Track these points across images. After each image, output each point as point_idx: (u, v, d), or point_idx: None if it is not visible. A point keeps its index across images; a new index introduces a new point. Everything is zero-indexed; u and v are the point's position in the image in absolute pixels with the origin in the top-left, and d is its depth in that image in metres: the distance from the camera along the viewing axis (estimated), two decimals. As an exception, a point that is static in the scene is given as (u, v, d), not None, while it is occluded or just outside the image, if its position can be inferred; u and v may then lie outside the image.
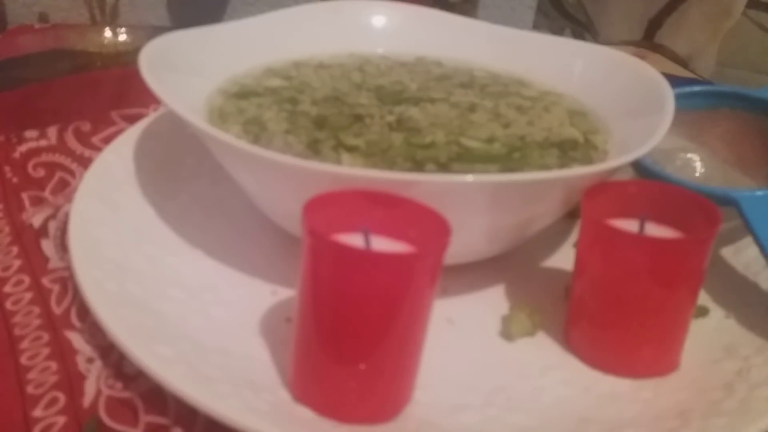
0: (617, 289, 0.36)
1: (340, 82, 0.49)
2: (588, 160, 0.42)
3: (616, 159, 0.39)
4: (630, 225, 0.36)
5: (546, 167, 0.41)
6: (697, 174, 0.49)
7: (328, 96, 0.47)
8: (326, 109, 0.45)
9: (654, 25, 0.87)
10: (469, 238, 0.38)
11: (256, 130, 0.42)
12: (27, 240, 0.44)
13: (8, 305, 0.40)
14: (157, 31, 0.46)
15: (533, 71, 0.51)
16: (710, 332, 0.39)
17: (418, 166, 0.40)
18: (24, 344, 0.37)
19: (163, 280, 0.40)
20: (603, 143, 0.44)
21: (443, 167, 0.40)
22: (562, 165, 0.42)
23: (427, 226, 0.33)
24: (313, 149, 0.41)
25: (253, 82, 0.47)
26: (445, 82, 0.50)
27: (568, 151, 0.43)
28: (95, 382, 0.35)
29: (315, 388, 0.33)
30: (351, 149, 0.41)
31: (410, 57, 0.53)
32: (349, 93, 0.47)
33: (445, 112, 0.46)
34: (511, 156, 0.42)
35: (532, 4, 0.87)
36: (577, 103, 0.48)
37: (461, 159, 0.41)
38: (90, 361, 0.36)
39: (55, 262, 0.43)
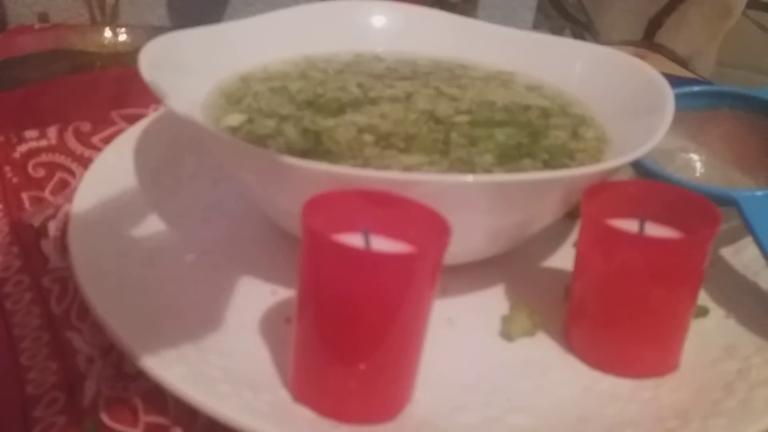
0: (617, 289, 0.36)
1: (280, 97, 0.46)
2: (585, 124, 0.45)
3: (616, 159, 0.39)
4: (630, 225, 0.36)
5: (562, 127, 0.44)
6: (697, 174, 0.49)
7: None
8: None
9: (654, 25, 0.87)
10: (469, 238, 0.38)
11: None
12: (27, 240, 0.44)
13: (8, 305, 0.40)
14: (157, 31, 0.46)
15: (533, 71, 0.51)
16: (710, 332, 0.39)
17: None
18: (24, 344, 0.37)
19: (163, 280, 0.40)
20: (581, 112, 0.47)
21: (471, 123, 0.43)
22: (574, 133, 0.44)
23: (427, 226, 0.33)
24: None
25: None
26: (386, 78, 0.49)
27: (551, 117, 0.45)
28: (95, 382, 0.35)
29: (315, 388, 0.33)
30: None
31: (349, 55, 0.52)
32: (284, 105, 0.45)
33: (389, 107, 0.46)
34: (517, 119, 0.44)
35: (532, 4, 0.87)
36: (534, 79, 0.50)
37: (479, 125, 0.43)
38: (90, 361, 0.36)
39: (55, 262, 0.43)
